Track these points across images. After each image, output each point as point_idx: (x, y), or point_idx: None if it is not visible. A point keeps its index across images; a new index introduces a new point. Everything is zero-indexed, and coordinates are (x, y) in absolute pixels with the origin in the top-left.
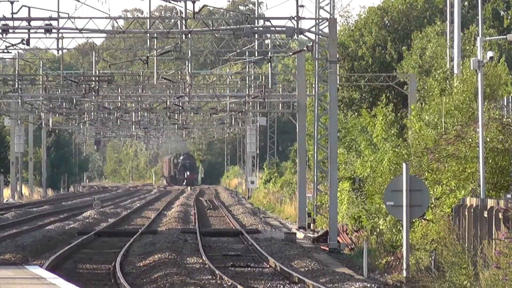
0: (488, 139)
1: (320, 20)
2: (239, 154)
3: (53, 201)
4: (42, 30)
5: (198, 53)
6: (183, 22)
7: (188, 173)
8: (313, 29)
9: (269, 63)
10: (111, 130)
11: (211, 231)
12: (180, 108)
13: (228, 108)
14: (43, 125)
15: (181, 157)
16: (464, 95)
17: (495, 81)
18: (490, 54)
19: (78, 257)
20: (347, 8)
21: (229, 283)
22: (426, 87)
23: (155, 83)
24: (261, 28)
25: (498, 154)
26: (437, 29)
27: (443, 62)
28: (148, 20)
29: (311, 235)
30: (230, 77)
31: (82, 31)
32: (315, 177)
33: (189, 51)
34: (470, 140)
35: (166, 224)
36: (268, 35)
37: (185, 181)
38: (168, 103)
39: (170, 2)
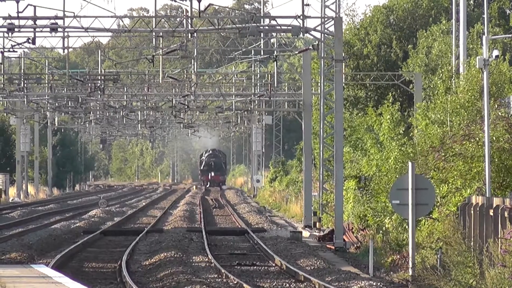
0: (494, 138)
1: (325, 19)
2: (245, 152)
3: (59, 200)
4: (48, 29)
5: (204, 51)
6: (189, 21)
7: (212, 173)
8: (318, 28)
9: (275, 62)
10: (117, 129)
11: (217, 229)
12: (186, 107)
13: (233, 107)
14: (48, 124)
15: (206, 154)
16: (469, 93)
17: (500, 79)
18: (495, 52)
19: (84, 256)
20: (353, 6)
21: (235, 282)
22: (431, 86)
23: (160, 82)
24: (266, 27)
25: (505, 153)
26: (442, 27)
27: (449, 60)
28: (154, 19)
29: (317, 234)
30: (235, 76)
31: (88, 30)
32: (320, 175)
33: (195, 50)
34: (477, 139)
35: (172, 223)
36: (274, 34)
37: (208, 183)
38: (173, 102)
39: (176, 1)
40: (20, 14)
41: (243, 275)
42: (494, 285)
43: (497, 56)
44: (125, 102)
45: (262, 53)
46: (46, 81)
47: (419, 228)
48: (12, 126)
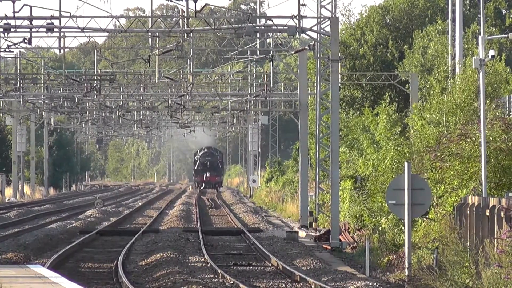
0: (491, 138)
1: (321, 19)
2: (241, 153)
3: (55, 200)
4: (44, 29)
5: (200, 52)
6: (185, 21)
7: (208, 174)
8: (314, 28)
9: (271, 62)
10: (113, 129)
11: (213, 230)
12: (182, 107)
13: (230, 107)
14: (45, 124)
15: (200, 153)
16: (465, 93)
17: (496, 79)
18: (491, 53)
19: (80, 256)
20: (349, 6)
21: (231, 282)
22: (427, 86)
23: (156, 82)
24: (262, 27)
25: (501, 153)
26: (438, 27)
27: (445, 61)
28: (150, 19)
29: (313, 234)
30: (231, 76)
31: (84, 30)
32: (317, 175)
33: (191, 50)
34: (474, 139)
35: (168, 223)
36: (270, 34)
37: (203, 184)
38: (170, 102)
39: (172, 1)
40: (16, 14)
41: (239, 275)
42: (490, 285)
43: (493, 56)
44: (121, 102)
45: (258, 53)
46: (42, 81)
47: (415, 228)
48: (8, 126)
